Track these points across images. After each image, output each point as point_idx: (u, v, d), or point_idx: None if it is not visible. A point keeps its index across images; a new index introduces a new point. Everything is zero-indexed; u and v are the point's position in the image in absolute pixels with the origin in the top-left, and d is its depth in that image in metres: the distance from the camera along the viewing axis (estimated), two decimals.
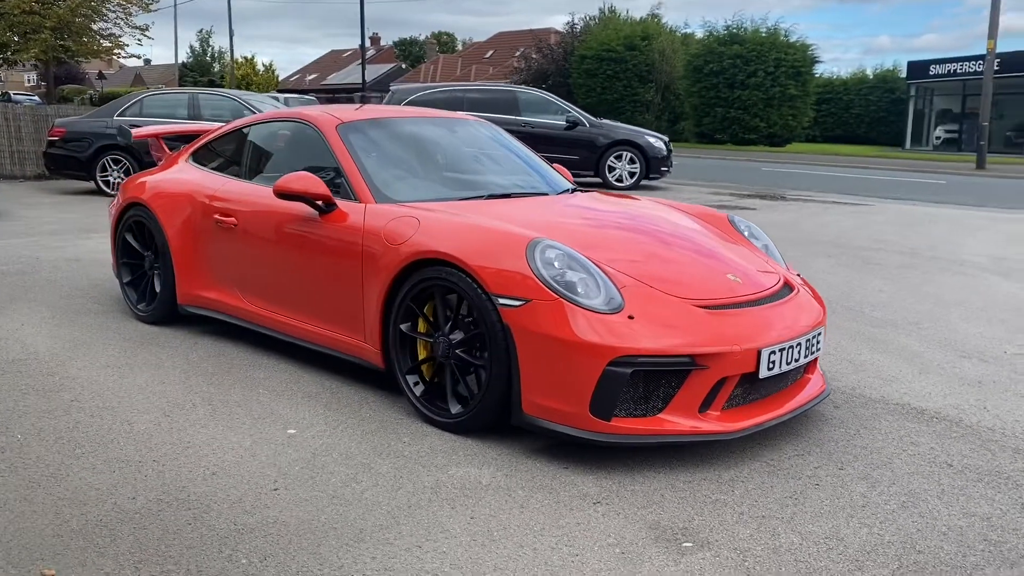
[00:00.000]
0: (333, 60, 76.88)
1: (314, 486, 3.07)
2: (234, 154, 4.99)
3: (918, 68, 39.77)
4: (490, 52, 58.69)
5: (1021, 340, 5.33)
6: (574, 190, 4.74)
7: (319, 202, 4.07)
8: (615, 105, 33.98)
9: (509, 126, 14.10)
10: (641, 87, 34.66)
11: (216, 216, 4.71)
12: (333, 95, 56.26)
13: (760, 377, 3.34)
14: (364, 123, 4.57)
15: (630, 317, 3.23)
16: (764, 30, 32.69)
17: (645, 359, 3.16)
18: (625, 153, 14.34)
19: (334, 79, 69.43)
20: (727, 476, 3.23)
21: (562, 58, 37.90)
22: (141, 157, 11.98)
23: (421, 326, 3.74)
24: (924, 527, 2.86)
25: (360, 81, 62.61)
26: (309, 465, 3.25)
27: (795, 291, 3.83)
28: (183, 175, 5.13)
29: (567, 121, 14.42)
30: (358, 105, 5.03)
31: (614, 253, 3.59)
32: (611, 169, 14.33)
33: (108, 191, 12.20)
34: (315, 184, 4.03)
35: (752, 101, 31.54)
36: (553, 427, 3.26)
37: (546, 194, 4.46)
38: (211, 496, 2.97)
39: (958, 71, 37.06)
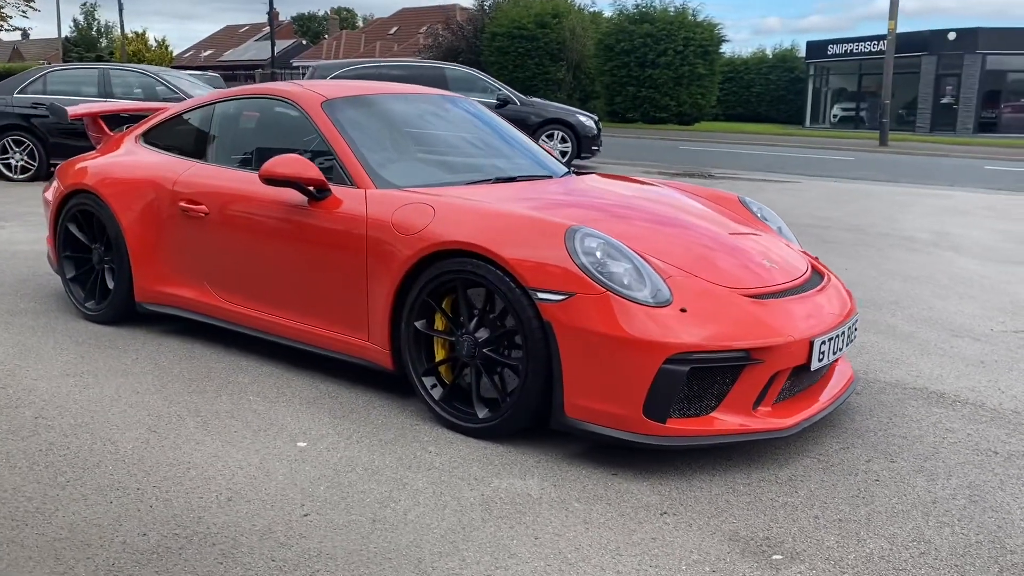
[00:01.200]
0: (229, 35, 74.13)
1: (348, 509, 2.74)
2: (198, 135, 4.52)
3: (816, 48, 40.94)
4: (394, 28, 57.63)
5: (1001, 318, 5.37)
6: (574, 172, 4.48)
7: (311, 188, 3.69)
8: (527, 83, 33.68)
9: None
10: (553, 65, 34.49)
11: (182, 204, 4.26)
12: (232, 72, 54.18)
13: (811, 369, 3.17)
14: (351, 100, 4.18)
15: (682, 310, 3.00)
16: (672, 9, 32.98)
17: (701, 355, 2.94)
18: (556, 132, 14.14)
19: (231, 55, 66.97)
20: (784, 475, 3.06)
21: (473, 35, 37.37)
22: (47, 138, 11.09)
23: (439, 323, 3.42)
24: (1003, 523, 2.74)
25: (260, 58, 60.61)
26: (335, 484, 2.91)
27: (826, 277, 3.68)
28: (137, 158, 4.63)
29: (497, 99, 14.10)
30: (328, 80, 4.60)
31: (649, 242, 3.35)
32: None
33: (11, 175, 11.24)
34: (306, 167, 3.64)
35: (662, 80, 31.81)
36: (601, 431, 3.01)
37: (549, 177, 4.18)
38: (235, 527, 2.61)
39: (854, 51, 38.31)
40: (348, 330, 3.71)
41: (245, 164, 4.26)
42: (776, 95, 45.05)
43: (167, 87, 11.50)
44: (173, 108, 4.76)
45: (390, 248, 3.45)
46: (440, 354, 3.45)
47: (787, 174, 15.24)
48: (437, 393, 3.43)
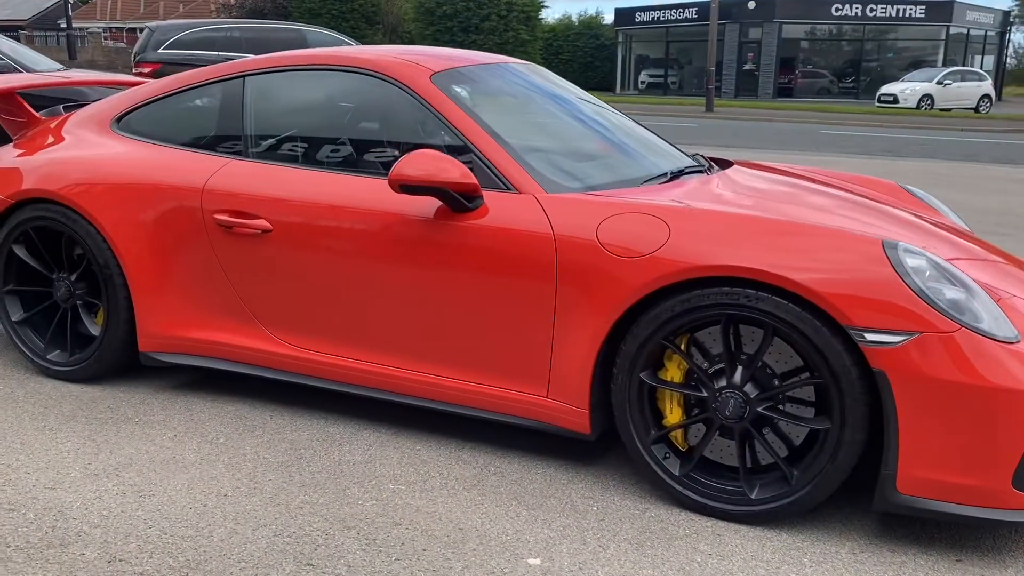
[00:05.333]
0: None
1: None
2: (223, 120, 3.29)
3: (625, 16, 41.74)
4: None
5: None
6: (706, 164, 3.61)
7: (459, 195, 2.69)
8: None
9: None
10: (369, 29, 32.92)
11: (221, 217, 3.07)
12: None
13: None
14: (464, 73, 3.17)
15: None
16: None
17: None
18: None
19: None
20: None
21: None
22: None
23: (671, 373, 2.58)
24: None
25: (19, 18, 53.65)
26: None
27: None
28: (124, 153, 3.34)
29: None
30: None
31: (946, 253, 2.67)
32: None
33: None
34: (453, 168, 2.65)
35: (488, 46, 31.11)
36: (951, 509, 2.31)
37: (703, 171, 3.35)
38: None
39: (661, 19, 39.39)
40: (513, 383, 2.77)
41: (310, 162, 3.13)
42: (584, 62, 45.62)
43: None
44: (162, 84, 3.48)
45: (599, 275, 2.55)
46: (674, 414, 2.60)
47: None
48: (674, 466, 2.59)
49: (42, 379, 3.46)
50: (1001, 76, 40.50)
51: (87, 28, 41.96)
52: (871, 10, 35.32)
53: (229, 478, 2.71)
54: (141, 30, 48.62)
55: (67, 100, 5.02)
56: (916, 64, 34.84)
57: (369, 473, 2.77)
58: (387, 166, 3.03)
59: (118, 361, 3.37)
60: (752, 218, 2.53)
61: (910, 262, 2.35)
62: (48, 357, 3.46)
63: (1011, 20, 42.76)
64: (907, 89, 28.16)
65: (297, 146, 3.18)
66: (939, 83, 28.22)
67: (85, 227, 3.25)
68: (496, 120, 2.97)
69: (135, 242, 3.21)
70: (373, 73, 3.07)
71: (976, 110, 28.23)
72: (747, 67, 36.61)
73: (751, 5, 35.79)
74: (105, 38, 43.96)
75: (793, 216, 2.66)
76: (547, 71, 3.78)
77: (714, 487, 2.55)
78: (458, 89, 3.02)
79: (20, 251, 3.44)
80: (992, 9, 39.54)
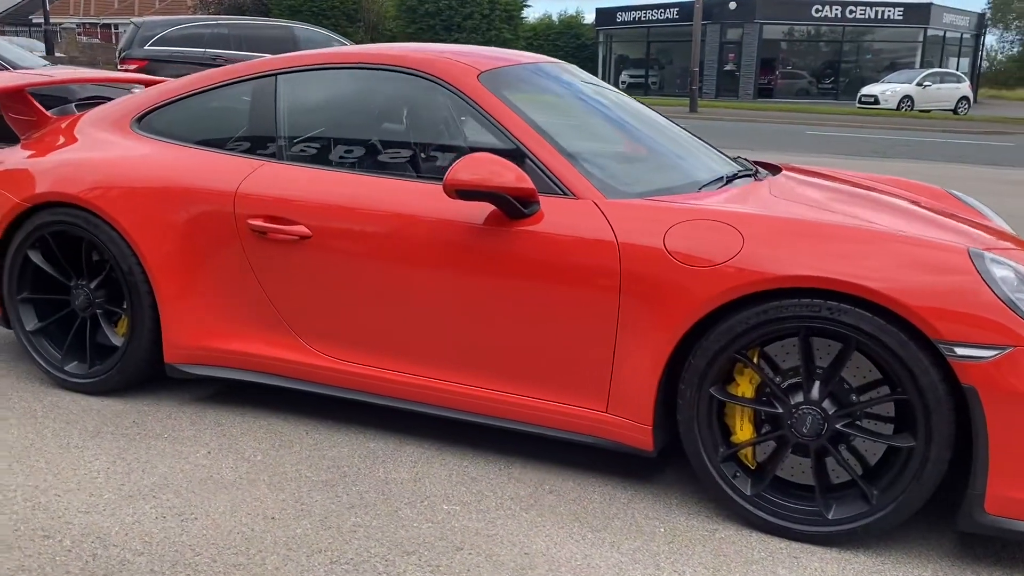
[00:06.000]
0: None
1: None
2: (255, 121, 3.14)
3: (606, 15, 41.70)
4: None
5: None
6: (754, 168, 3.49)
7: (515, 200, 2.56)
8: None
9: None
10: (350, 27, 32.62)
11: (256, 223, 2.92)
12: None
13: None
14: (510, 73, 3.04)
15: None
16: None
17: None
18: None
19: None
20: None
21: None
22: None
23: (743, 388, 2.47)
24: None
25: None
26: None
27: None
28: (150, 155, 3.17)
29: None
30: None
31: None
32: None
33: None
34: (508, 171, 2.52)
35: (470, 45, 31.04)
36: None
37: (752, 175, 3.24)
38: None
39: (643, 19, 39.39)
40: (570, 398, 2.65)
41: (345, 165, 2.99)
42: (566, 61, 45.59)
43: None
44: (186, 82, 3.32)
45: (666, 286, 2.44)
46: (745, 431, 2.49)
47: None
48: (745, 485, 2.48)
49: (60, 392, 3.29)
50: (976, 78, 40.93)
51: (61, 24, 41.27)
52: (850, 11, 35.55)
53: (273, 499, 2.56)
54: (116, 26, 48.01)
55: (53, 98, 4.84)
56: (894, 66, 35.10)
57: (419, 492, 2.64)
58: (433, 170, 2.90)
59: (141, 373, 3.21)
60: (829, 226, 2.42)
61: (997, 272, 2.26)
62: (66, 369, 3.29)
63: (985, 23, 43.25)
64: (887, 90, 28.34)
65: (334, 149, 3.03)
66: (919, 85, 28.43)
67: (108, 232, 3.08)
68: (546, 122, 2.84)
69: (162, 248, 3.05)
70: (417, 72, 2.94)
71: (955, 111, 28.47)
72: (728, 68, 36.71)
73: (732, 5, 35.89)
74: (79, 34, 43.31)
75: (867, 223, 2.56)
76: (581, 71, 3.66)
77: (787, 507, 2.45)
78: (509, 91, 2.90)
79: (36, 257, 3.27)
80: (968, 12, 39.98)
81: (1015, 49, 59.48)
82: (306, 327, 2.97)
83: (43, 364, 3.32)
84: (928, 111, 27.54)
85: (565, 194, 2.65)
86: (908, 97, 28.01)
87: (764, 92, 36.38)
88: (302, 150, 3.05)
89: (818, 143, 16.38)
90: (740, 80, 36.32)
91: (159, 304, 3.08)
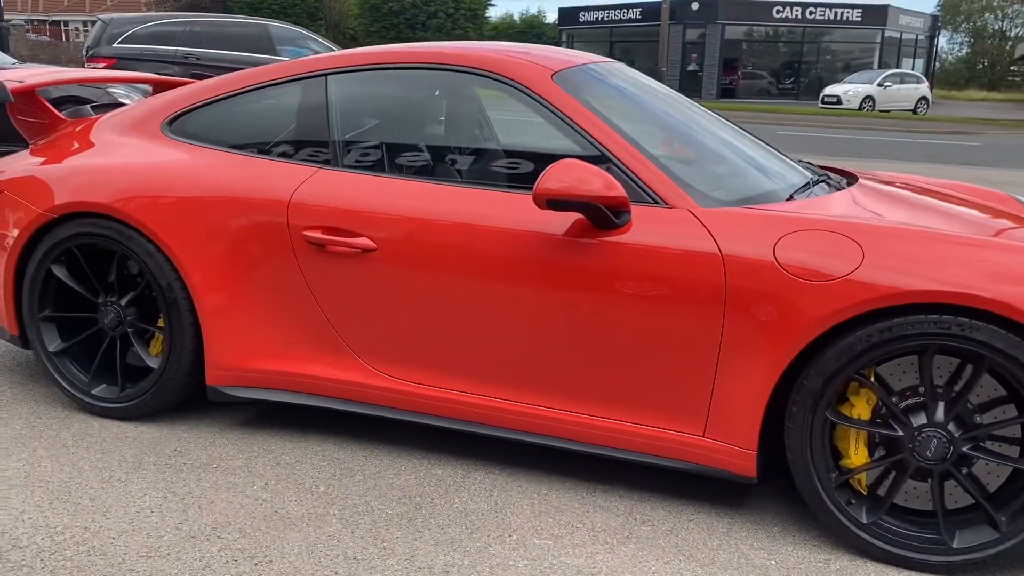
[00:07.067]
0: None
1: None
2: (303, 124, 2.91)
3: (568, 15, 41.68)
4: None
5: None
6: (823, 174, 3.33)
7: (608, 209, 2.38)
8: None
9: None
10: (312, 24, 32.11)
11: (313, 235, 2.70)
12: None
13: None
14: (583, 73, 2.85)
15: None
16: None
17: None
18: None
19: None
20: None
21: None
22: None
23: (858, 409, 2.32)
24: None
25: None
26: None
27: None
28: (189, 161, 2.92)
29: None
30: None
31: None
32: None
33: None
34: (600, 179, 2.34)
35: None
36: None
37: (827, 181, 3.08)
38: None
39: (605, 19, 39.43)
40: (662, 421, 2.48)
41: (407, 172, 2.78)
42: None
43: None
44: (221, 83, 3.08)
45: (777, 301, 2.28)
46: (859, 455, 2.34)
47: None
48: (859, 513, 2.33)
49: (87, 417, 3.03)
50: (931, 79, 41.71)
51: (10, 20, 40.01)
52: (810, 12, 35.94)
53: (349, 536, 2.35)
54: (66, 23, 46.69)
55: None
56: (848, 67, 35.57)
57: (504, 525, 2.45)
58: (507, 176, 2.72)
59: (178, 397, 2.97)
60: (951, 237, 2.29)
61: None
62: (93, 392, 3.03)
63: (939, 25, 44.11)
64: (850, 91, 28.68)
65: (398, 154, 2.82)
66: (880, 85, 28.81)
67: (144, 245, 2.84)
68: (627, 125, 2.67)
69: (205, 262, 2.81)
70: (484, 72, 2.74)
71: (914, 111, 28.91)
72: (691, 68, 36.88)
73: (695, 6, 36.06)
74: (27, 31, 42.08)
75: (985, 233, 2.43)
76: (635, 71, 3.48)
77: (906, 535, 2.30)
78: (586, 91, 2.72)
79: (60, 272, 3.01)
80: (922, 13, 40.73)
81: (963, 51, 60.90)
82: (366, 345, 2.76)
83: (67, 387, 3.06)
84: (888, 111, 27.92)
85: (656, 202, 2.48)
86: (870, 97, 28.36)
87: (727, 92, 36.61)
88: (360, 156, 2.83)
89: (793, 144, 16.45)
90: (703, 80, 36.51)
91: (201, 322, 2.84)
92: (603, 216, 2.40)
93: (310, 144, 2.88)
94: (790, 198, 2.67)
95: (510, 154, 2.81)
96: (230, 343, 2.86)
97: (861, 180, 3.08)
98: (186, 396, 2.99)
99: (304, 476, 2.68)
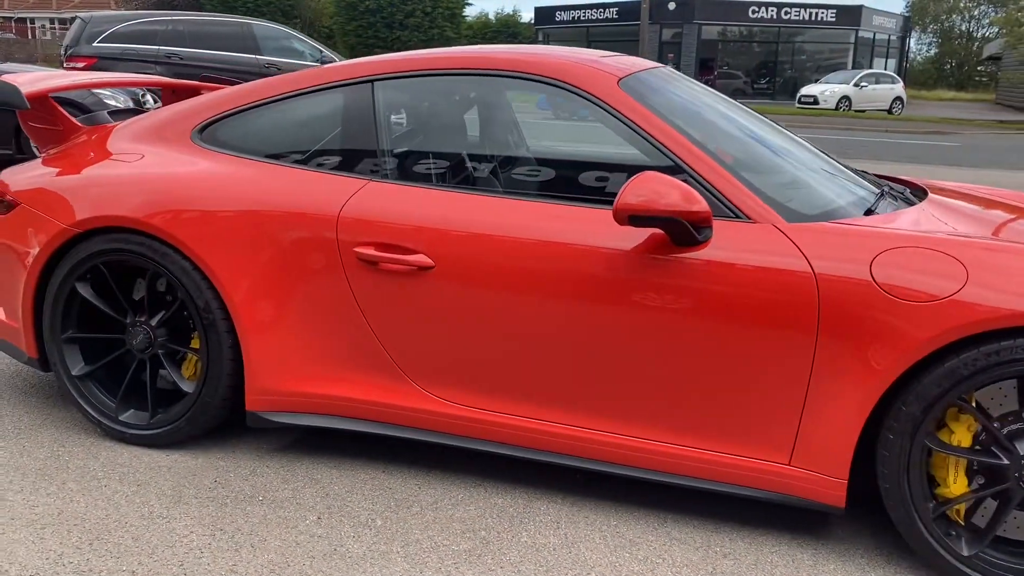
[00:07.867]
0: None
1: None
2: (348, 133, 2.74)
3: (544, 14, 41.60)
4: None
5: None
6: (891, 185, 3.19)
7: (690, 224, 2.24)
8: None
9: (247, 68, 11.51)
10: (286, 23, 31.72)
11: (364, 251, 2.53)
12: None
13: None
14: (650, 79, 2.71)
15: None
16: None
17: None
18: None
19: None
20: None
21: None
22: None
23: (958, 436, 2.20)
24: None
25: None
26: None
27: None
28: (225, 173, 2.74)
29: (320, 63, 12.12)
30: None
31: None
32: None
33: None
34: (678, 192, 2.20)
35: (412, 43, 30.46)
36: None
37: (902, 195, 2.94)
38: None
39: (581, 18, 39.38)
40: (745, 449, 2.35)
41: (467, 183, 2.62)
42: None
43: None
44: (255, 88, 2.89)
45: (875, 323, 2.15)
46: (959, 484, 2.22)
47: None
48: (960, 546, 2.21)
49: (113, 445, 2.84)
50: (904, 79, 42.15)
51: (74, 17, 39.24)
52: (785, 13, 36.16)
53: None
54: (32, 20, 45.76)
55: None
56: (820, 68, 35.80)
57: (579, 560, 2.30)
58: (573, 188, 2.56)
59: (215, 422, 2.79)
60: None
61: None
62: (121, 419, 2.84)
63: (910, 25, 44.58)
64: (826, 91, 28.84)
65: (451, 165, 2.66)
66: (856, 85, 29.01)
67: (179, 262, 2.65)
68: (704, 135, 2.53)
69: (245, 280, 2.63)
70: (546, 79, 2.58)
71: (889, 111, 29.14)
72: None
73: (671, 6, 36.14)
74: None
75: None
76: (686, 76, 3.34)
77: (1008, 567, 2.18)
78: (654, 98, 2.57)
79: (85, 291, 2.81)
80: (894, 14, 41.14)
81: (931, 51, 61.65)
82: (422, 369, 2.59)
83: (92, 413, 2.86)
84: (864, 111, 28.11)
85: (738, 217, 2.34)
86: (846, 97, 28.54)
87: None
88: (413, 167, 2.66)
89: None
90: None
91: (242, 344, 2.66)
92: (685, 231, 2.25)
93: (357, 154, 2.71)
94: (868, 212, 2.54)
95: (575, 166, 2.65)
96: (273, 366, 2.68)
97: (931, 193, 2.96)
98: (222, 421, 2.81)
99: (358, 508, 2.51)
